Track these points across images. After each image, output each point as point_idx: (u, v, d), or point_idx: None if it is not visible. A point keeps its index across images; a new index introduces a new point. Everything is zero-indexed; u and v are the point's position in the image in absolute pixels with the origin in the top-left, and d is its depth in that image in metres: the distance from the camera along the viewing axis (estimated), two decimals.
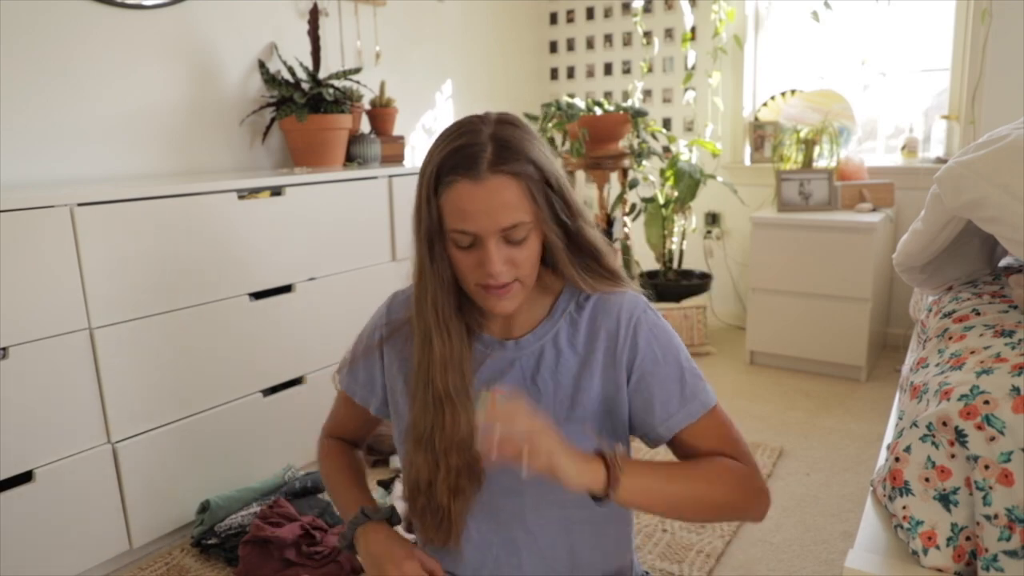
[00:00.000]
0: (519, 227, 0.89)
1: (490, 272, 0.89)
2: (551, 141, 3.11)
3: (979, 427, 0.79)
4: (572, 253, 0.97)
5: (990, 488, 0.77)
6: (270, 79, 2.42)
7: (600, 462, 0.86)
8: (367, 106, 2.72)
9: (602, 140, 3.12)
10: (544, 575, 1.02)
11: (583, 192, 3.73)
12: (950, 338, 1.06)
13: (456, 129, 0.91)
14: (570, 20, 3.84)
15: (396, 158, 2.76)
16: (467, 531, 1.01)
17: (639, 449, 1.97)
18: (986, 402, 0.80)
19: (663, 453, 1.02)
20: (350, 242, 2.27)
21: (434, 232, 0.93)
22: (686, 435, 0.98)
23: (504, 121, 0.92)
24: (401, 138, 2.78)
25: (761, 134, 3.43)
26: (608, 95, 3.80)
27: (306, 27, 2.49)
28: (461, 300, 0.98)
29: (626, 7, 3.65)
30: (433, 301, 0.95)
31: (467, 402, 0.96)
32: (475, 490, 0.98)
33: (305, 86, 2.42)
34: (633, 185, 3.32)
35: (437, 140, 0.92)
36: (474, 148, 0.88)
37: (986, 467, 0.78)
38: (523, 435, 0.81)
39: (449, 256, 0.94)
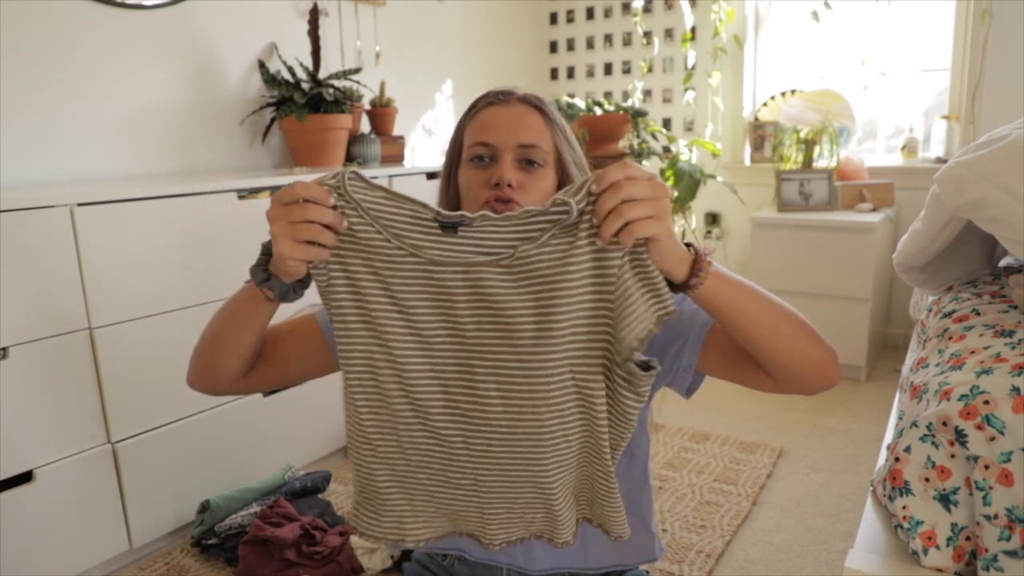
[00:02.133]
0: (536, 150, 0.92)
1: (500, 177, 0.89)
2: None
3: (979, 427, 0.79)
4: None
5: (990, 488, 0.77)
6: (270, 79, 2.42)
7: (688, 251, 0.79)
8: (367, 106, 2.72)
9: (602, 140, 3.12)
10: (554, 562, 1.01)
11: None
12: (950, 338, 1.06)
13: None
14: (570, 20, 3.84)
15: (396, 158, 2.76)
16: None
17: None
18: (986, 402, 0.80)
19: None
20: None
21: (453, 160, 0.97)
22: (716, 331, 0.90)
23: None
24: (401, 138, 2.78)
25: (761, 134, 3.43)
26: (608, 95, 3.80)
27: (306, 27, 2.49)
28: None
29: (626, 7, 3.65)
30: None
31: None
32: None
33: (305, 86, 2.42)
34: None
35: None
36: (508, 87, 0.97)
37: (986, 467, 0.78)
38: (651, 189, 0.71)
39: (460, 182, 0.96)
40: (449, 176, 0.99)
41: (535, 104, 0.95)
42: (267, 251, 0.82)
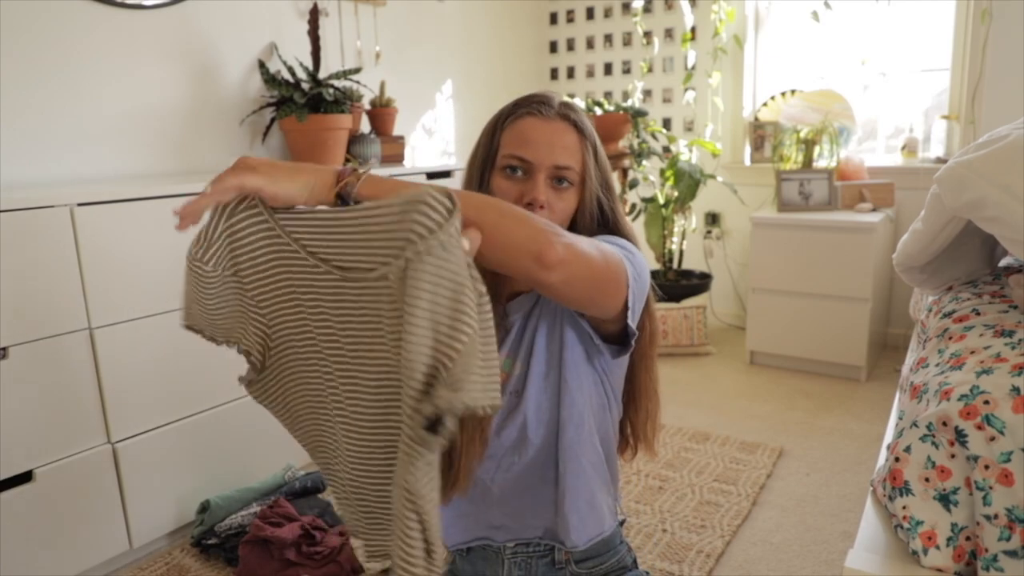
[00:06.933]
0: (569, 171, 0.96)
1: (534, 198, 0.94)
2: None
3: (979, 427, 0.79)
4: (599, 228, 1.01)
5: (990, 488, 0.77)
6: (270, 79, 2.42)
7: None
8: (367, 106, 2.72)
9: (602, 140, 3.10)
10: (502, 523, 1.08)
11: None
12: (950, 338, 1.06)
13: (532, 92, 1.02)
14: (570, 20, 3.84)
15: (396, 158, 2.76)
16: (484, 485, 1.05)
17: None
18: (986, 402, 0.80)
19: None
20: None
21: (487, 162, 0.99)
22: None
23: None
24: (401, 138, 2.78)
25: (761, 134, 3.43)
26: (608, 95, 3.80)
27: (306, 27, 2.49)
28: None
29: (626, 7, 3.65)
30: None
31: None
32: (479, 441, 1.00)
33: (305, 86, 2.42)
34: (633, 185, 3.32)
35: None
36: (548, 97, 0.99)
37: (986, 467, 0.78)
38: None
39: (492, 188, 0.98)
40: (480, 175, 1.00)
41: (573, 121, 0.98)
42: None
